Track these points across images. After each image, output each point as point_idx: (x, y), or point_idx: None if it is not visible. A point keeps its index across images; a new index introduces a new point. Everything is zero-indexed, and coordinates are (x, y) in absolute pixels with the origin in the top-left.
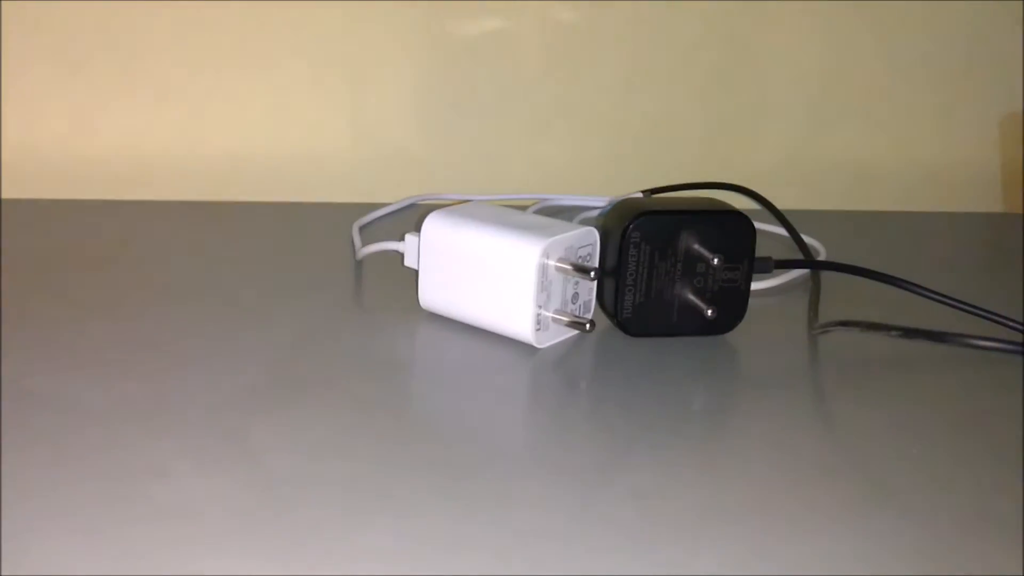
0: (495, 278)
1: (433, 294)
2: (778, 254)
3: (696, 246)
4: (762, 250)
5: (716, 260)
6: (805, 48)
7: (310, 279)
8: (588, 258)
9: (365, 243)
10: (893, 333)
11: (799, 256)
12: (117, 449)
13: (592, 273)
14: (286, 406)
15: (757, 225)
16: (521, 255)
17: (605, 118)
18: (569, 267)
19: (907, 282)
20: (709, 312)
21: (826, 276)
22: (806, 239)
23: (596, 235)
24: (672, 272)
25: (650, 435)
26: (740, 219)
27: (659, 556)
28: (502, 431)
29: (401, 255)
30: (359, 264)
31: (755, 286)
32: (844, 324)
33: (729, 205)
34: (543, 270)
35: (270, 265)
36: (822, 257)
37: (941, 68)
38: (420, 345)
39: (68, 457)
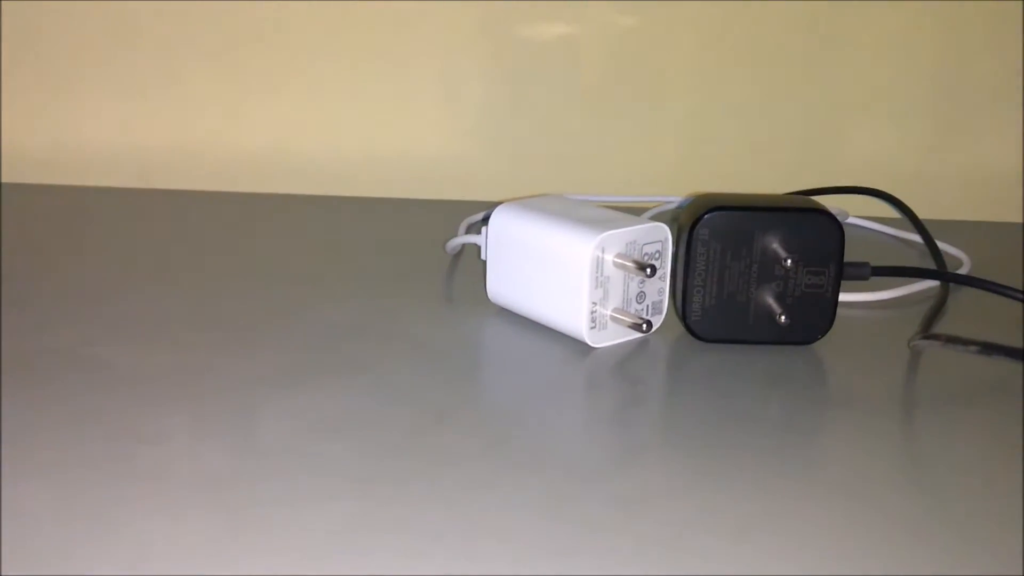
0: (552, 272)
1: (500, 287)
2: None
3: (772, 246)
4: (899, 261)
5: (789, 261)
6: (918, 43)
7: (405, 269)
8: (657, 256)
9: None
10: (972, 348)
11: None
12: (127, 413)
13: (648, 270)
14: (311, 385)
15: (902, 234)
16: (575, 248)
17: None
18: (626, 263)
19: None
20: (782, 318)
21: (967, 293)
22: (950, 250)
23: (666, 231)
24: (747, 274)
25: (672, 436)
26: (823, 218)
27: (633, 562)
28: (521, 422)
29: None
30: (454, 258)
31: (872, 297)
32: (927, 337)
33: (820, 205)
34: (597, 264)
35: (373, 255)
36: (964, 270)
37: None
38: (475, 336)
39: (82, 415)
